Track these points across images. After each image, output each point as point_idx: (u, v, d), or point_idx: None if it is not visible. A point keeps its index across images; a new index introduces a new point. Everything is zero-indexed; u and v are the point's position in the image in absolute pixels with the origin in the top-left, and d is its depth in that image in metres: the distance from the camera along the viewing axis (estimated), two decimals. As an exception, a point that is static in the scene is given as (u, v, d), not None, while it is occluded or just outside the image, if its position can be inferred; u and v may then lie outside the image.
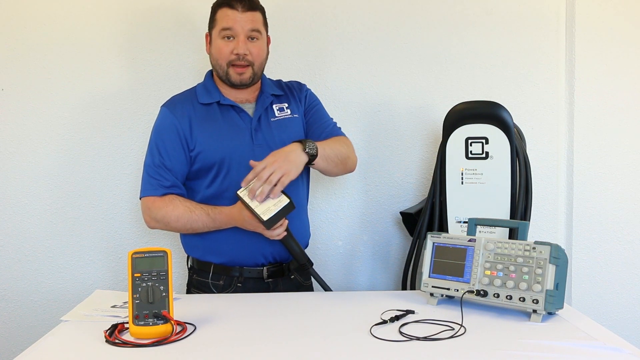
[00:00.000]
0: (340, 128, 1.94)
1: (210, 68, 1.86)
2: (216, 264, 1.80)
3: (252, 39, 1.76)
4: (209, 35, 1.82)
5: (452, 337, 1.30)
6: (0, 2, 2.17)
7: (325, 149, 1.73)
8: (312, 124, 1.89)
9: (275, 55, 2.18)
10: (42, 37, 2.19)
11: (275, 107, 1.86)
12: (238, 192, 1.60)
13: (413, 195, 2.32)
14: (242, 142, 1.77)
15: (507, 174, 1.90)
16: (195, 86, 1.88)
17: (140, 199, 1.78)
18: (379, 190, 2.32)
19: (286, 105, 1.87)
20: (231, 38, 1.75)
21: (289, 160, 1.61)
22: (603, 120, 2.30)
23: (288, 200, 1.54)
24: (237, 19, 1.73)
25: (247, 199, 1.57)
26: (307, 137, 1.86)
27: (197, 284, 1.84)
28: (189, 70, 2.22)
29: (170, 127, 1.76)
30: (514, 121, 1.95)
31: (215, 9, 1.79)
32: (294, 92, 1.92)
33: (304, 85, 1.97)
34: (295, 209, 1.58)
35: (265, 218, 1.53)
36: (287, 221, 1.64)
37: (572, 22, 2.26)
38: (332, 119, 1.95)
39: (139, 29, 2.21)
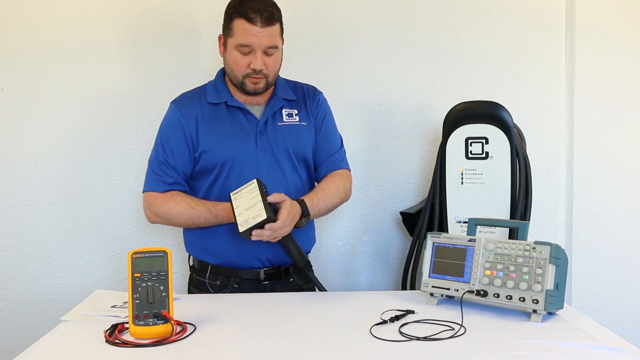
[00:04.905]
0: (345, 152, 1.90)
1: (221, 67, 1.84)
2: (213, 265, 1.80)
3: (269, 54, 1.71)
4: (224, 41, 1.74)
5: (452, 337, 1.30)
6: (0, 2, 2.17)
7: (321, 207, 1.77)
8: (318, 145, 1.86)
9: (275, 55, 2.18)
10: (42, 38, 2.19)
11: (284, 111, 1.82)
12: (231, 194, 1.61)
13: (413, 195, 2.32)
14: (246, 146, 1.75)
15: (507, 174, 1.90)
16: (207, 84, 1.85)
17: (143, 192, 1.79)
18: (379, 190, 2.32)
19: (296, 111, 1.83)
20: (248, 53, 1.69)
21: (291, 225, 1.64)
22: (603, 120, 2.30)
23: (266, 216, 1.54)
24: (255, 34, 1.66)
25: (234, 204, 1.59)
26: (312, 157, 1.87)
27: (196, 283, 1.85)
28: (190, 69, 2.22)
29: (176, 125, 1.76)
30: (514, 121, 1.95)
31: (231, 15, 1.69)
32: (307, 100, 1.87)
33: (319, 94, 1.90)
34: (274, 221, 1.58)
35: (241, 230, 1.56)
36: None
37: (572, 22, 2.26)
38: (339, 137, 1.91)
39: (139, 28, 2.21)
